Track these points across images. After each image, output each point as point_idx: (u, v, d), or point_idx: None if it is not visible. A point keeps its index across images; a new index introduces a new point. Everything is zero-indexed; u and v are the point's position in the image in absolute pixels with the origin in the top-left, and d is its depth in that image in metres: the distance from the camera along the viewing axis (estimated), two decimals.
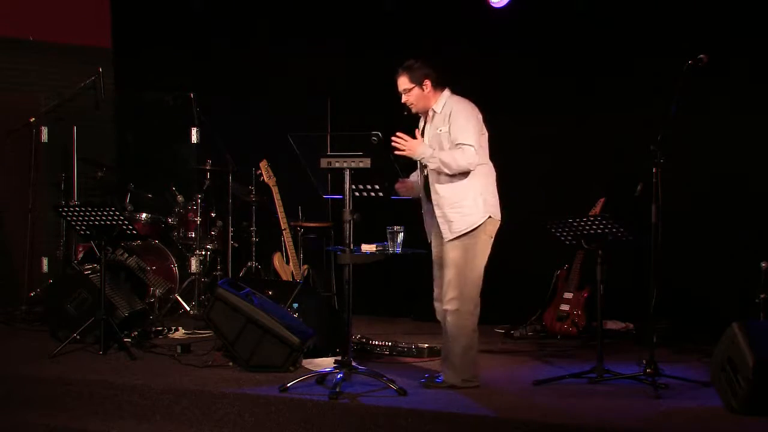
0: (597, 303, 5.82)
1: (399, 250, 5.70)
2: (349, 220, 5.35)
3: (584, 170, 7.34)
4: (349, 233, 5.37)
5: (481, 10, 7.56)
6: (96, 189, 8.67)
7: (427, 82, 5.45)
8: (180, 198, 8.29)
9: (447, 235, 5.37)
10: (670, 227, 5.52)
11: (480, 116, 5.45)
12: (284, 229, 7.58)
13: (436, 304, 5.64)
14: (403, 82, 5.49)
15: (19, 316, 7.96)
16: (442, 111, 5.43)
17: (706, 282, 6.93)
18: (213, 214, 8.31)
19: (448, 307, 5.43)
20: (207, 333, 6.93)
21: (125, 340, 6.60)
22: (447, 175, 5.32)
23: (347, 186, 5.33)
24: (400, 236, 5.71)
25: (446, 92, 5.49)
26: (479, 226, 5.35)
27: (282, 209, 7.59)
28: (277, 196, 7.63)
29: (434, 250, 5.59)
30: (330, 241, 8.17)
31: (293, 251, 7.59)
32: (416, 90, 5.45)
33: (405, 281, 8.11)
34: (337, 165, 5.32)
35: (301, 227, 8.09)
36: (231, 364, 6.06)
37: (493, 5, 7.50)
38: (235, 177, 8.24)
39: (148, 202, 8.43)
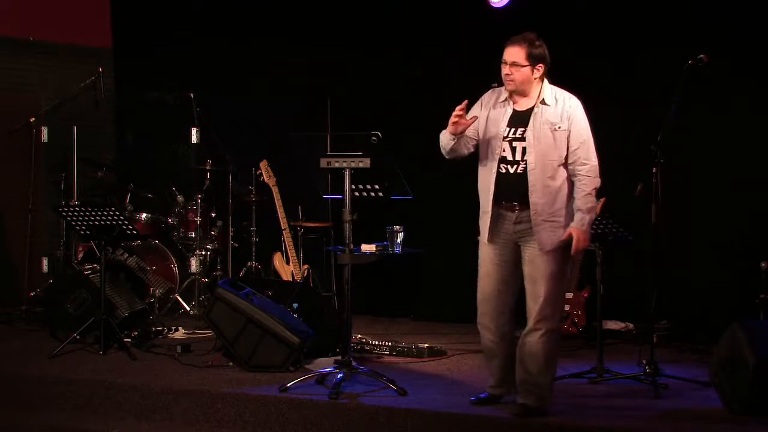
0: (597, 303, 5.82)
1: (399, 250, 5.69)
2: (349, 220, 5.35)
3: None
4: (349, 233, 5.37)
5: (481, 10, 7.56)
6: (96, 189, 8.66)
7: (541, 67, 4.83)
8: (180, 198, 8.29)
9: (545, 246, 4.80)
10: (670, 227, 5.52)
11: None
12: (284, 229, 7.58)
13: (487, 333, 4.99)
14: (518, 55, 4.78)
15: (19, 316, 7.96)
16: (556, 106, 4.84)
17: (706, 282, 6.93)
18: (213, 214, 8.31)
19: (543, 327, 4.83)
20: (207, 333, 6.93)
21: (125, 340, 6.60)
22: (549, 181, 4.80)
23: (347, 186, 5.32)
24: (400, 236, 5.69)
25: (546, 81, 4.91)
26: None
27: (282, 209, 7.59)
28: (277, 196, 7.63)
29: (493, 260, 4.93)
30: (330, 241, 8.17)
31: (293, 251, 7.59)
32: (527, 70, 4.79)
33: (405, 281, 8.11)
34: (337, 165, 5.31)
35: (301, 227, 8.09)
36: (231, 364, 6.06)
37: (493, 5, 7.50)
38: (235, 177, 8.24)
39: (148, 202, 8.43)
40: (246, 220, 8.31)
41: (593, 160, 4.85)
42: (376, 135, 5.20)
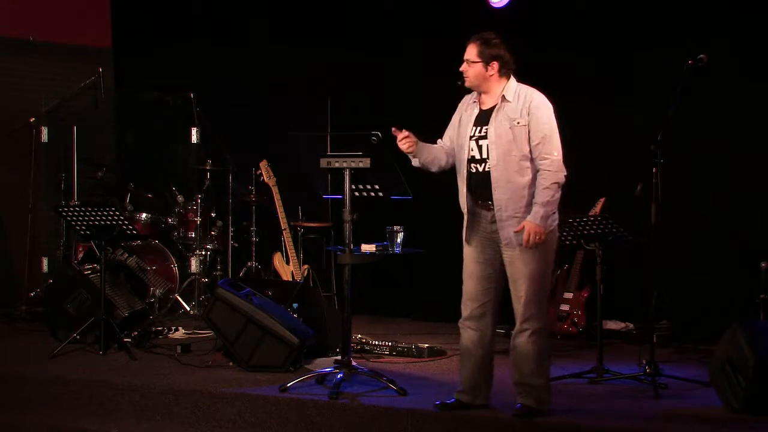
0: (597, 303, 5.82)
1: (399, 250, 5.68)
2: (349, 220, 5.35)
3: (584, 170, 7.33)
4: (349, 233, 5.37)
5: (481, 10, 7.56)
6: (96, 189, 8.66)
7: (495, 65, 4.87)
8: (180, 198, 8.30)
9: (512, 242, 4.78)
10: (670, 227, 5.52)
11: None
12: (284, 229, 7.59)
13: (467, 333, 4.96)
14: (471, 53, 4.90)
15: (19, 316, 7.95)
16: (516, 101, 4.85)
17: (706, 282, 6.93)
18: (213, 214, 8.32)
19: (529, 327, 4.79)
20: (207, 333, 6.93)
21: (125, 340, 6.60)
22: (516, 176, 4.78)
23: (347, 186, 5.32)
24: (400, 236, 5.68)
25: (512, 80, 4.93)
26: (550, 231, 4.80)
27: (282, 209, 7.60)
28: (277, 196, 7.64)
29: (475, 259, 4.93)
30: (330, 241, 8.17)
31: (293, 251, 7.60)
32: (479, 67, 4.88)
33: (405, 281, 8.11)
34: (337, 165, 5.31)
35: (301, 227, 8.10)
36: (231, 364, 6.06)
37: (493, 5, 7.51)
38: (235, 177, 8.24)
39: (148, 202, 8.43)
40: (246, 220, 8.31)
41: (555, 154, 4.81)
42: (376, 135, 5.20)
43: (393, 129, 5.00)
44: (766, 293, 6.25)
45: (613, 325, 7.13)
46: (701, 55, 5.42)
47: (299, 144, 5.53)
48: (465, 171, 4.92)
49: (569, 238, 5.83)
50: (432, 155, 5.05)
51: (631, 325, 7.18)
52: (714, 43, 6.31)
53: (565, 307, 7.19)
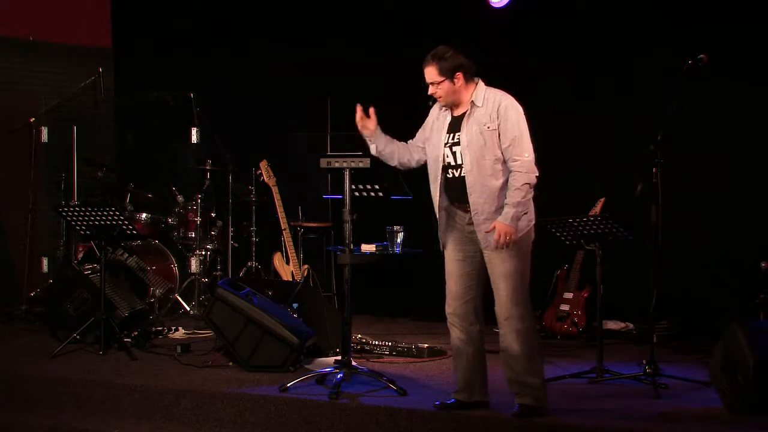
0: (597, 303, 5.82)
1: (399, 250, 5.69)
2: (349, 220, 5.35)
3: (584, 170, 7.34)
4: (349, 233, 5.38)
5: (481, 10, 7.56)
6: (96, 189, 8.66)
7: (459, 75, 4.88)
8: (180, 198, 8.30)
9: (489, 245, 4.81)
10: (670, 227, 5.52)
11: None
12: (284, 229, 7.59)
13: (455, 332, 5.02)
14: (432, 74, 4.91)
15: (19, 316, 7.96)
16: (486, 105, 4.87)
17: (706, 282, 6.93)
18: (213, 214, 8.32)
19: (513, 326, 4.82)
20: (207, 333, 6.94)
21: (125, 340, 6.60)
22: (490, 180, 4.82)
23: (347, 186, 5.33)
24: (400, 236, 5.69)
25: (481, 83, 4.95)
26: (526, 231, 4.84)
27: (282, 209, 7.59)
28: (277, 196, 7.63)
29: (454, 258, 5.02)
30: (330, 241, 8.17)
31: (293, 251, 7.60)
32: (446, 84, 4.89)
33: (405, 281, 8.11)
34: (337, 165, 5.32)
35: (301, 227, 8.09)
36: (231, 364, 6.06)
37: (493, 5, 7.51)
38: (235, 177, 8.24)
39: (148, 202, 8.43)
40: (246, 220, 8.31)
41: (526, 156, 4.83)
42: None
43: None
44: (766, 293, 6.25)
45: (613, 325, 7.13)
46: (701, 55, 5.42)
47: (299, 144, 5.53)
48: (441, 177, 4.96)
49: (569, 238, 5.83)
50: (391, 148, 5.12)
51: (631, 325, 7.18)
52: (714, 43, 6.30)
53: (565, 307, 7.19)
